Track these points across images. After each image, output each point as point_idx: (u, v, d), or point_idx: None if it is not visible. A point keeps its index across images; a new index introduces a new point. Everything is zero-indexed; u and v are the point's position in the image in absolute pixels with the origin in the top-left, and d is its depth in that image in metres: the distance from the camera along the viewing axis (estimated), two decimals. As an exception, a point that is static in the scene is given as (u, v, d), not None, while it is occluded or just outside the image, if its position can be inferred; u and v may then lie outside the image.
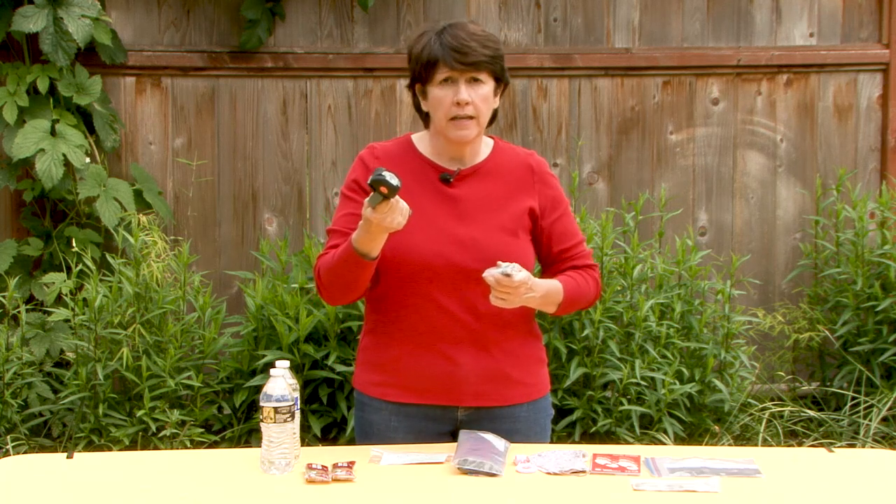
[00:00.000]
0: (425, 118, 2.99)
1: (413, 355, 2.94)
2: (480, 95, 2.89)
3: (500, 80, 2.94)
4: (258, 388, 4.35)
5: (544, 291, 2.87)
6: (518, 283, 2.77)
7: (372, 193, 2.70)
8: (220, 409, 4.58)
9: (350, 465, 2.71)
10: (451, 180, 2.95)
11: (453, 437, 2.96)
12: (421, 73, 2.90)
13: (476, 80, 2.88)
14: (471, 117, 2.88)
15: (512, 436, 2.90)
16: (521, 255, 2.90)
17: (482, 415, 2.96)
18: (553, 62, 5.22)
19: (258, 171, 5.16)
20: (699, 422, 4.66)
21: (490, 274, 2.77)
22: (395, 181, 2.68)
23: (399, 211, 2.73)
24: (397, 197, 2.72)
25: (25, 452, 4.33)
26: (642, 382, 4.51)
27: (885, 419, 4.81)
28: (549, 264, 3.02)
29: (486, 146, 3.01)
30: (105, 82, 4.91)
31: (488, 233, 2.86)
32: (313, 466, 2.70)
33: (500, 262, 2.78)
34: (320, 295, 2.97)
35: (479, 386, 2.94)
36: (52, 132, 4.64)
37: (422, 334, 2.92)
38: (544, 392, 3.06)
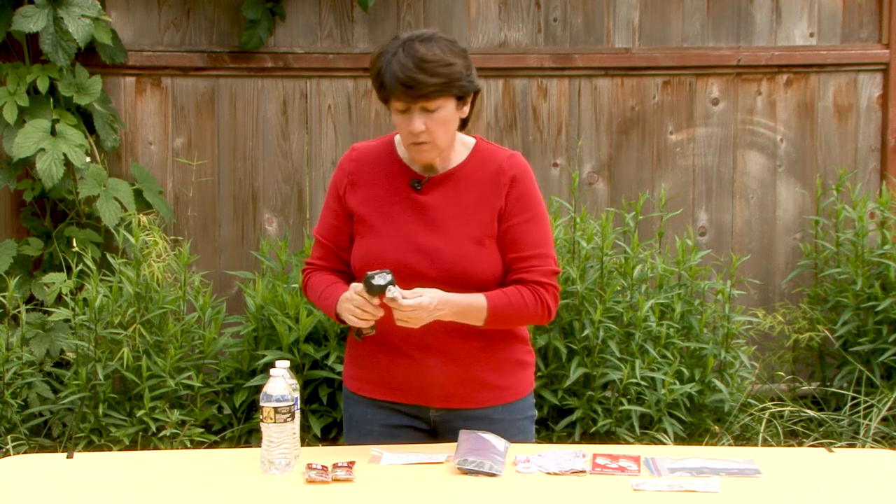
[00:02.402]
0: None
1: (386, 356, 2.97)
2: (435, 120, 2.83)
3: (463, 97, 2.87)
4: (258, 388, 4.35)
5: (459, 309, 2.82)
6: (407, 306, 2.75)
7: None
8: (220, 409, 4.59)
9: (350, 465, 2.71)
10: (420, 188, 2.94)
11: (430, 434, 3.00)
12: (380, 96, 2.89)
13: (428, 108, 2.82)
14: (426, 142, 2.85)
15: None
16: (485, 264, 2.88)
17: (454, 415, 2.97)
18: (553, 62, 5.22)
19: (258, 171, 5.16)
20: (699, 422, 4.66)
21: (388, 297, 2.78)
22: (376, 282, 2.76)
23: (354, 311, 2.81)
24: (368, 306, 2.80)
25: (25, 452, 4.33)
26: (642, 382, 4.51)
27: (885, 419, 4.81)
28: (505, 272, 2.93)
29: (464, 148, 2.96)
30: (105, 82, 4.90)
31: (453, 242, 2.85)
32: (313, 466, 2.70)
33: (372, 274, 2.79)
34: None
35: (448, 389, 2.95)
36: (53, 132, 4.64)
37: (394, 337, 2.93)
38: (523, 394, 3.04)
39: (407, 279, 2.86)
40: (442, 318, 2.81)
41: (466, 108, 2.91)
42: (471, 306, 2.85)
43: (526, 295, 2.89)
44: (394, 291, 2.75)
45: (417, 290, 2.78)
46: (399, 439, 2.97)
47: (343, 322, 2.89)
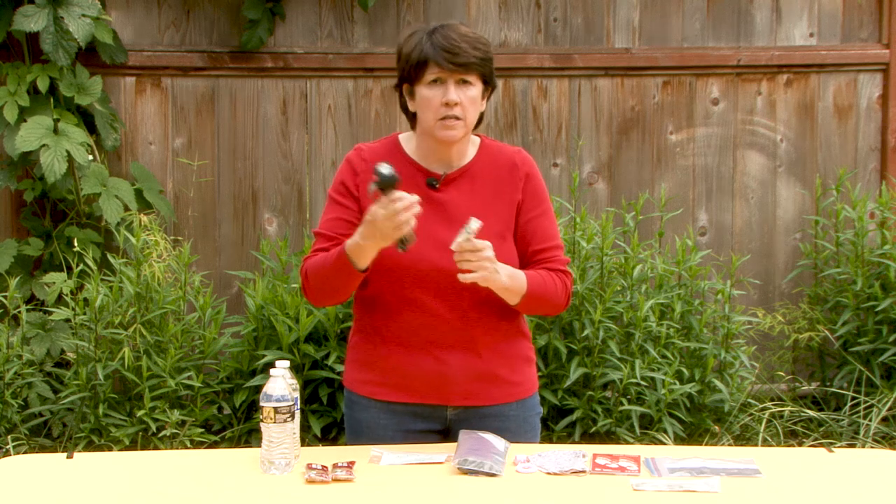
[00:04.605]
0: (412, 118, 2.98)
1: (402, 355, 2.95)
2: (468, 97, 2.87)
3: (489, 83, 2.93)
4: (258, 388, 4.35)
5: (509, 272, 2.85)
6: (481, 245, 2.75)
7: (374, 184, 2.72)
8: (220, 409, 4.59)
9: (350, 465, 2.71)
10: (438, 185, 2.95)
11: (443, 435, 2.98)
12: (410, 72, 2.90)
13: (465, 81, 2.87)
14: (458, 118, 2.87)
15: (502, 434, 2.90)
16: (507, 257, 2.90)
17: (471, 414, 2.97)
18: (553, 62, 5.22)
19: (258, 171, 5.16)
20: (699, 422, 4.66)
21: (456, 243, 2.76)
22: (386, 171, 2.69)
23: (394, 217, 2.71)
24: (402, 200, 2.70)
25: (25, 452, 4.33)
26: (642, 382, 4.52)
27: (885, 419, 4.81)
28: (522, 265, 2.97)
29: (472, 146, 3.00)
30: (105, 82, 4.91)
31: (476, 237, 2.85)
32: (313, 466, 2.70)
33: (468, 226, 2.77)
34: (305, 295, 2.99)
35: (467, 385, 2.95)
36: (55, 130, 4.64)
37: (410, 336, 2.93)
38: (532, 391, 3.06)
39: (432, 276, 2.87)
40: (494, 280, 2.80)
41: (484, 102, 2.95)
42: (516, 275, 2.88)
43: (556, 280, 2.95)
44: (471, 224, 2.74)
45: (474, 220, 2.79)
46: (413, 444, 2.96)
47: (360, 271, 2.82)
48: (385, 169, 2.70)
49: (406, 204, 2.71)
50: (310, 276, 2.93)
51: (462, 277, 2.77)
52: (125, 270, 4.45)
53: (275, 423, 2.70)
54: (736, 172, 5.34)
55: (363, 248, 2.79)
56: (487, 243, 2.77)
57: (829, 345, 5.11)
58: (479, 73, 2.88)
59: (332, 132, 5.18)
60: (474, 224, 2.75)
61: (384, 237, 2.75)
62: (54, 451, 4.45)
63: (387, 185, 2.71)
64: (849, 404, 4.88)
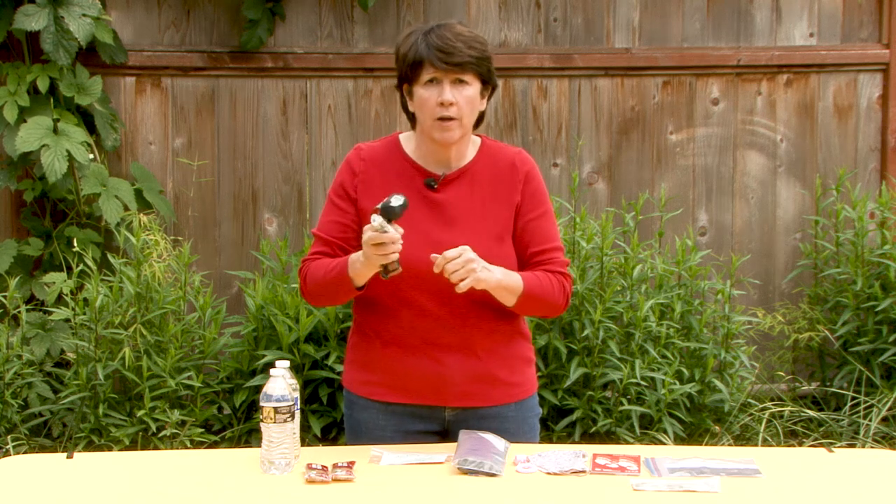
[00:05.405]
0: (411, 118, 2.98)
1: (400, 355, 2.95)
2: (465, 97, 2.87)
3: (487, 83, 2.92)
4: (258, 388, 4.35)
5: (503, 271, 2.84)
6: (458, 251, 2.74)
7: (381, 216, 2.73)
8: (220, 409, 4.59)
9: (350, 465, 2.71)
10: (436, 186, 2.94)
11: (441, 436, 2.99)
12: (407, 73, 2.90)
13: (461, 81, 2.86)
14: (453, 118, 2.86)
15: (500, 435, 2.90)
16: (505, 259, 2.90)
17: (469, 415, 2.97)
18: (553, 62, 5.22)
19: (258, 171, 5.16)
20: (699, 422, 4.66)
21: (435, 257, 2.77)
22: (394, 201, 2.72)
23: (374, 244, 2.72)
24: (389, 233, 2.72)
25: (25, 452, 4.33)
26: (642, 382, 4.52)
27: (885, 419, 4.81)
28: (521, 267, 2.96)
29: (472, 146, 2.99)
30: (105, 82, 4.90)
31: (473, 238, 2.84)
32: (313, 466, 2.70)
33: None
34: (303, 297, 3.03)
35: (465, 386, 2.95)
36: (55, 130, 4.64)
37: (408, 337, 2.93)
38: (531, 392, 3.06)
39: (429, 278, 2.85)
40: (487, 281, 2.79)
41: (484, 102, 2.94)
42: (511, 276, 2.87)
43: (553, 281, 2.94)
44: (377, 221, 2.71)
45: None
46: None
47: (358, 289, 2.86)
48: (395, 200, 2.72)
49: (387, 238, 2.72)
50: (308, 280, 2.95)
51: (458, 289, 2.77)
52: (125, 270, 4.45)
53: (275, 423, 2.70)
54: (736, 172, 5.34)
55: (362, 265, 2.81)
56: (465, 247, 2.77)
57: (829, 345, 5.11)
58: (475, 72, 2.87)
59: (332, 132, 5.18)
60: (376, 220, 2.73)
61: (368, 260, 2.77)
62: (54, 451, 4.45)
63: (385, 211, 2.72)
64: (849, 404, 4.88)
